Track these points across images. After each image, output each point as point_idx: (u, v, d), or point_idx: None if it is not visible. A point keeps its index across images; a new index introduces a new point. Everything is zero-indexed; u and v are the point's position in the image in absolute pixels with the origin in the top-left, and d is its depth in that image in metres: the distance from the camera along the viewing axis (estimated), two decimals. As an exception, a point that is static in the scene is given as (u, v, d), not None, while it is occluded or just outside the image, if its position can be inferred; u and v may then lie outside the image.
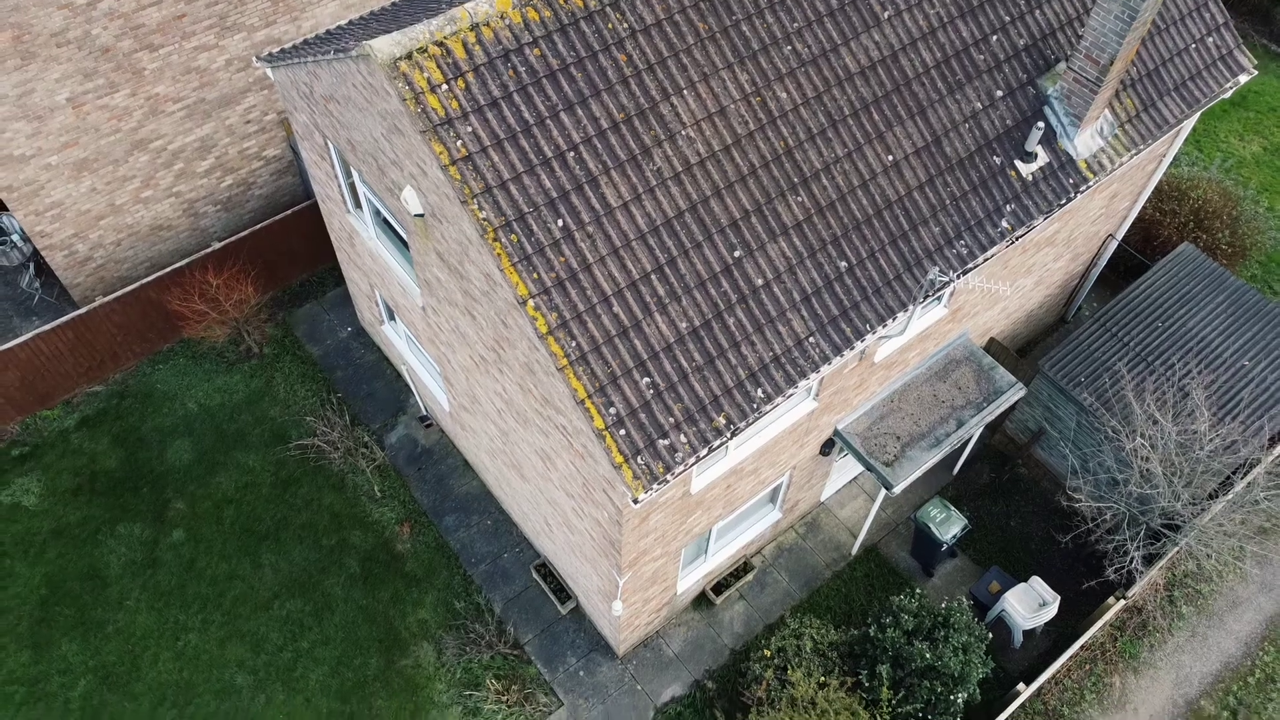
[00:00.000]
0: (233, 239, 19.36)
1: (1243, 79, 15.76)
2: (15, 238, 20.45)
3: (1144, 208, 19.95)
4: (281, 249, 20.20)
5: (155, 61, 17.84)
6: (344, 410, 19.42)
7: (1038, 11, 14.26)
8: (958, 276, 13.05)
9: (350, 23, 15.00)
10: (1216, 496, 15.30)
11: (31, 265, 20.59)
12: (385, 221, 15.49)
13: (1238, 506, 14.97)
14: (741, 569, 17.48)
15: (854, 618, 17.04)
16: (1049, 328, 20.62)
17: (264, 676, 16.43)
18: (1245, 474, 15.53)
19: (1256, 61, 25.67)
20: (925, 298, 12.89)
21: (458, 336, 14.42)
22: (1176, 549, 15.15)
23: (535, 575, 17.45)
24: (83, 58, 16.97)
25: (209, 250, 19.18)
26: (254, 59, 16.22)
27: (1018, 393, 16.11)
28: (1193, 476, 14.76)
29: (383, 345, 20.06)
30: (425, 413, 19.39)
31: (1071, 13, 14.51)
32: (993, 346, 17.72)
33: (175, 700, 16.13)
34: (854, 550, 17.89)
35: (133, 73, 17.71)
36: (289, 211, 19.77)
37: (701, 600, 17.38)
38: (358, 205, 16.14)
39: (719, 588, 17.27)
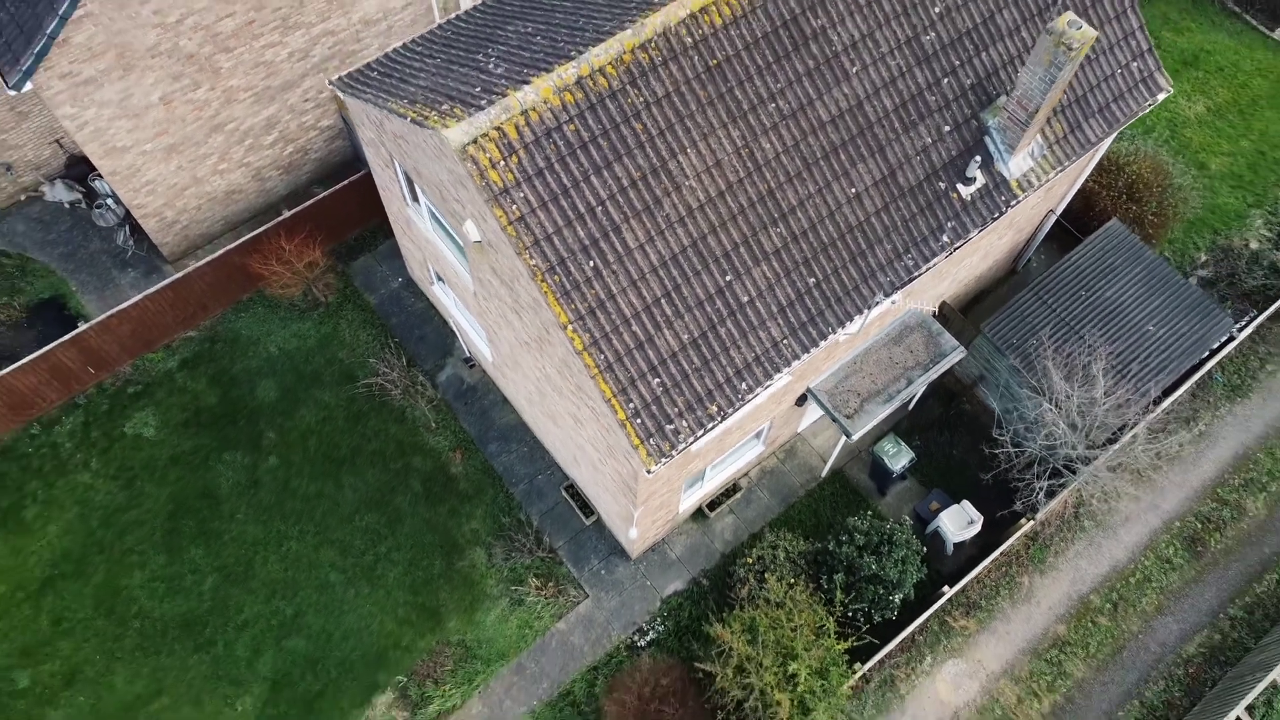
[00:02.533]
0: (300, 208, 22.54)
1: (1161, 97, 18.64)
2: (110, 201, 23.61)
3: (1085, 180, 22.92)
4: (340, 213, 23.38)
5: (230, 60, 20.59)
6: (400, 353, 23.09)
7: (983, 54, 17.06)
8: (897, 296, 16.47)
9: (411, 46, 17.77)
10: (1107, 446, 19.14)
11: (126, 225, 23.83)
12: (441, 221, 18.71)
13: (1121, 454, 18.83)
14: (732, 489, 21.57)
15: (821, 530, 21.21)
16: (1000, 280, 23.98)
17: (351, 575, 20.76)
18: (1133, 428, 19.31)
19: (1209, 23, 27.89)
20: (875, 306, 16.36)
21: (504, 322, 17.95)
22: (1069, 489, 19.11)
23: (565, 494, 21.56)
24: (172, 64, 19.75)
25: (281, 219, 22.40)
26: (327, 82, 19.02)
27: (959, 354, 19.69)
28: (1090, 430, 18.55)
29: (431, 298, 23.52)
30: (469, 355, 23.05)
31: (1013, 51, 17.29)
32: (944, 309, 21.20)
33: (284, 593, 20.52)
34: (824, 473, 21.92)
35: (211, 71, 20.49)
36: (345, 183, 22.86)
37: (699, 514, 21.53)
38: (415, 200, 19.31)
39: (713, 505, 21.41)
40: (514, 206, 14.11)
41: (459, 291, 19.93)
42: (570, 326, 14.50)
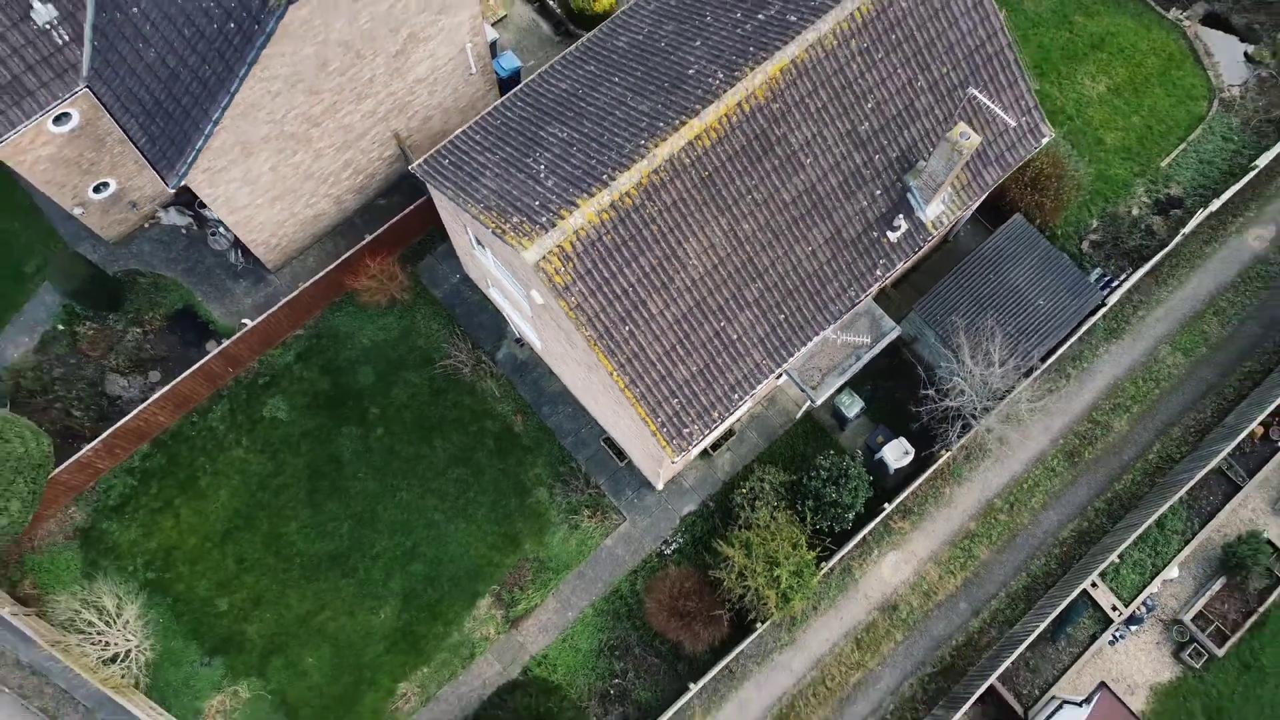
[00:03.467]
0: (378, 232, 28.36)
1: (1044, 141, 24.42)
2: (222, 229, 29.35)
3: (1001, 171, 28.62)
4: (407, 229, 29.20)
5: (319, 131, 25.97)
6: (466, 337, 29.47)
7: (905, 131, 22.77)
8: (839, 330, 22.89)
9: (469, 134, 23.32)
10: (999, 401, 26.00)
11: (236, 247, 29.64)
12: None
13: (1009, 408, 25.74)
14: (728, 434, 28.56)
15: (796, 461, 28.31)
16: (935, 248, 30.08)
17: (451, 514, 27.97)
18: (1017, 387, 26.11)
19: (1116, 6, 32.62)
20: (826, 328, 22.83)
21: (558, 342, 24.35)
22: (971, 433, 26.11)
23: (603, 444, 28.55)
24: (278, 143, 25.20)
25: (364, 242, 28.26)
26: (410, 167, 24.55)
27: (897, 332, 26.21)
28: (988, 391, 25.37)
29: (484, 291, 29.66)
30: (519, 336, 29.44)
31: (928, 125, 22.96)
32: (885, 290, 27.54)
33: (402, 531, 27.78)
34: (798, 416, 28.84)
35: (306, 141, 25.92)
36: (411, 208, 28.56)
37: (705, 454, 28.59)
38: (482, 247, 25.22)
39: (715, 446, 28.46)
40: (572, 297, 20.35)
41: (515, 305, 26.17)
42: (615, 372, 21.03)
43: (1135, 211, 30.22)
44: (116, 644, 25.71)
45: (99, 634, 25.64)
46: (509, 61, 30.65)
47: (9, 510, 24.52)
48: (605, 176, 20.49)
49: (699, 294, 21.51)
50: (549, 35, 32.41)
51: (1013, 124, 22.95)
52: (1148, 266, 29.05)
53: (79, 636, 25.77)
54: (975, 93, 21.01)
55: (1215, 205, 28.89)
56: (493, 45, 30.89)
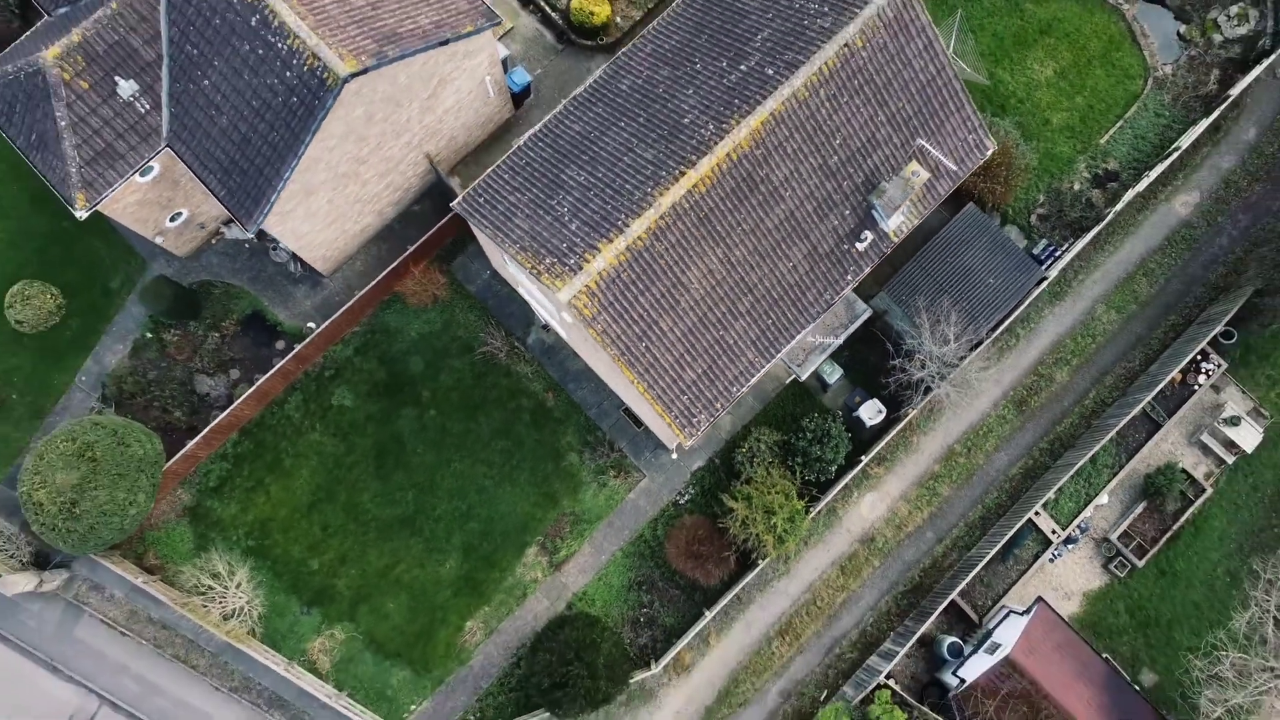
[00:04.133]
0: (420, 242, 32.71)
1: (988, 154, 28.58)
2: (281, 244, 33.65)
3: (958, 160, 32.71)
4: (441, 234, 33.50)
5: (365, 166, 30.07)
6: (499, 326, 34.13)
7: (868, 159, 26.96)
8: (816, 331, 27.61)
9: (499, 172, 27.53)
10: (953, 369, 30.89)
11: (295, 260, 33.99)
12: (531, 276, 29.14)
13: (961, 374, 30.68)
14: (729, 400, 33.53)
15: (786, 421, 33.33)
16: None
17: (498, 479, 33.21)
18: (967, 357, 30.95)
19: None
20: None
21: (584, 345, 29.04)
22: (929, 396, 31.06)
23: (623, 414, 33.59)
24: (333, 182, 29.36)
25: (408, 253, 32.64)
26: (452, 205, 28.74)
27: (867, 314, 30.93)
28: (943, 362, 30.24)
29: (511, 283, 34.11)
30: (545, 323, 34.08)
31: (888, 152, 27.12)
32: (860, 275, 32.01)
33: (458, 496, 33.06)
34: (787, 381, 33.77)
35: (355, 176, 30.06)
36: (445, 219, 32.82)
37: (709, 418, 33.65)
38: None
39: (718, 411, 33.48)
40: (597, 324, 25.03)
41: (540, 303, 30.74)
42: (635, 380, 25.88)
43: (1077, 186, 34.45)
44: (232, 602, 31.31)
45: (218, 594, 31.21)
46: (520, 77, 34.33)
47: (137, 501, 29.74)
48: (620, 223, 24.88)
49: (701, 310, 26.17)
50: (552, 44, 35.93)
51: (953, 167, 27.18)
52: (1088, 237, 33.46)
53: (201, 598, 31.34)
54: (923, 142, 25.20)
55: (1142, 186, 33.12)
56: (504, 62, 34.47)
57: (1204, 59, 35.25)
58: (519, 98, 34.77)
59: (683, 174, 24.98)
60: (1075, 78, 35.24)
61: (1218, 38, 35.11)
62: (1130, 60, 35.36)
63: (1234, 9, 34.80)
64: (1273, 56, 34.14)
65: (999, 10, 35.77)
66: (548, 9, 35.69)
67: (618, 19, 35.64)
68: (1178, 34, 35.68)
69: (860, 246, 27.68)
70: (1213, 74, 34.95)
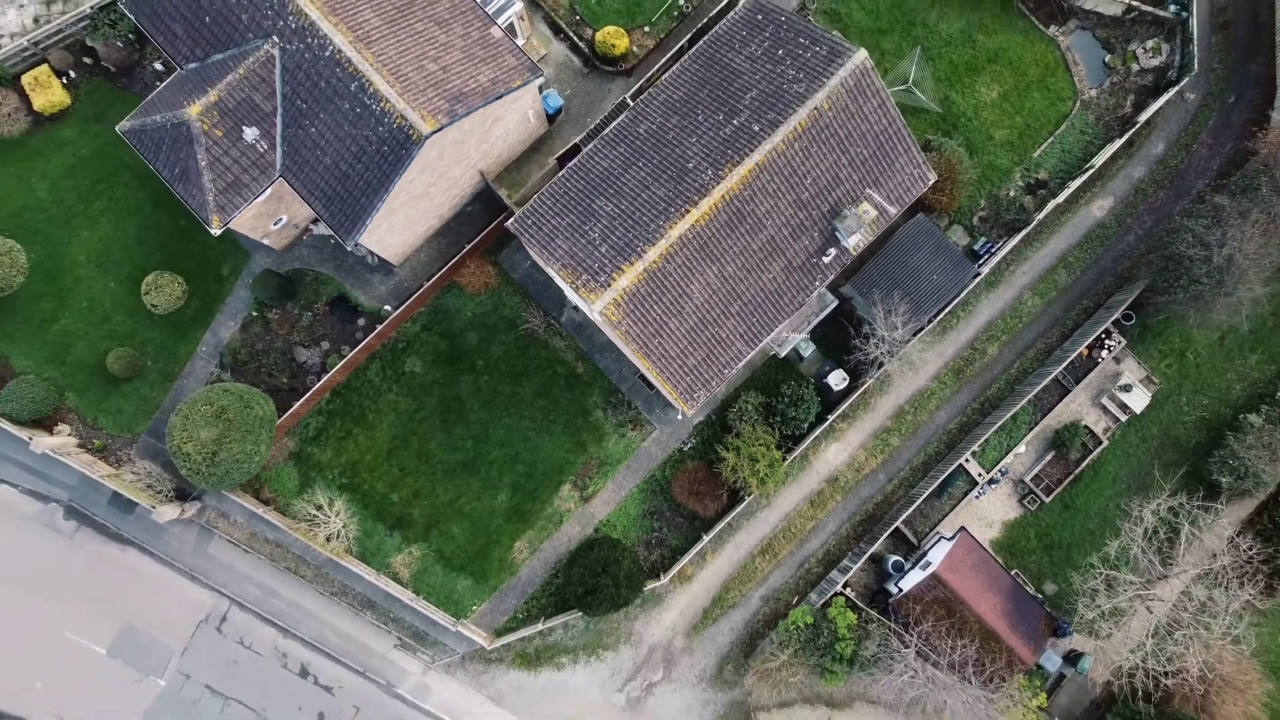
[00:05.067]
0: (475, 241, 40.39)
1: (930, 183, 35.98)
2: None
3: (913, 175, 39.99)
4: (491, 236, 41.14)
5: (434, 187, 37.60)
6: (538, 308, 42.01)
7: (832, 193, 34.44)
8: (789, 328, 35.59)
9: (543, 199, 35.13)
10: (902, 345, 38.78)
11: (371, 253, 41.69)
12: (568, 277, 36.96)
13: (906, 354, 38.59)
14: (724, 368, 41.72)
15: (770, 385, 41.46)
16: (867, 227, 41.85)
17: (540, 431, 41.57)
18: (910, 340, 38.79)
19: (1010, 24, 42.55)
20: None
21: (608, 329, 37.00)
22: (881, 370, 39.05)
23: (639, 379, 41.75)
24: (410, 202, 36.92)
25: (465, 250, 40.36)
26: (508, 224, 36.28)
27: (834, 304, 38.77)
28: (893, 343, 38.20)
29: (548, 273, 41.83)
30: (574, 305, 41.91)
31: (849, 187, 34.55)
32: (830, 270, 39.77)
33: (508, 444, 41.48)
34: (769, 354, 41.77)
35: (426, 196, 37.60)
36: (495, 222, 40.40)
37: (708, 382, 41.86)
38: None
39: (715, 377, 41.72)
40: (621, 327, 33.00)
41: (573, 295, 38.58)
42: (650, 368, 33.99)
43: (1012, 193, 41.78)
44: (332, 526, 40.05)
45: (321, 521, 39.92)
46: (554, 101, 41.43)
47: (260, 451, 38.18)
48: (639, 250, 32.60)
49: (701, 314, 34.08)
50: (580, 69, 42.86)
51: (893, 211, 34.65)
52: (1019, 236, 40.95)
53: (308, 523, 40.09)
54: (871, 192, 32.70)
55: (1062, 197, 40.48)
56: (539, 87, 41.48)
57: (1124, 85, 42.12)
58: (552, 117, 41.93)
59: (687, 211, 32.60)
60: (1016, 99, 42.16)
61: (1135, 67, 41.93)
62: (1063, 84, 42.23)
63: (1150, 43, 41.53)
64: (1179, 84, 41.02)
65: (955, 41, 42.47)
66: (575, 38, 42.54)
67: (634, 48, 42.48)
68: (1104, 62, 42.43)
69: (826, 260, 35.37)
70: (1129, 98, 41.89)
